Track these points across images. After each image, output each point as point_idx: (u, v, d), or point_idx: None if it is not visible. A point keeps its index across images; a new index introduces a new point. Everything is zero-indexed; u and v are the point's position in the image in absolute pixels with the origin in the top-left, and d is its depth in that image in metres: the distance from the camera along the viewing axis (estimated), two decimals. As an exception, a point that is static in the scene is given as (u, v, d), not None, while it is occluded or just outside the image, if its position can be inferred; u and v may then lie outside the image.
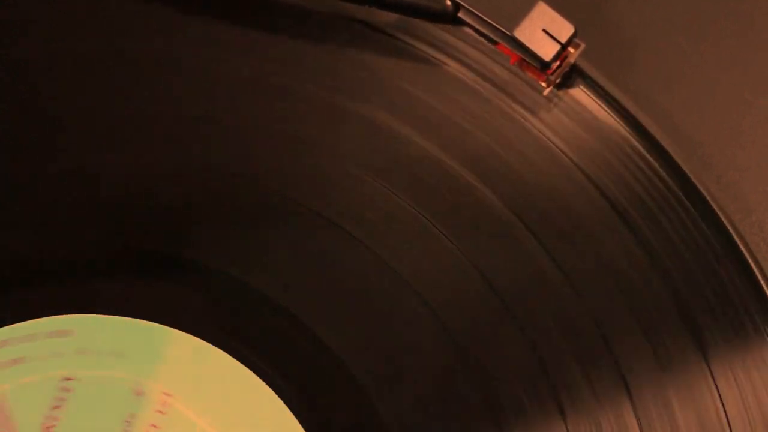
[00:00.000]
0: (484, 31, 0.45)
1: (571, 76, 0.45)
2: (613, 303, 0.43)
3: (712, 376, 0.42)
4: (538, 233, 0.44)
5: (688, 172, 0.45)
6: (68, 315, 0.42)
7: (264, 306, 0.43)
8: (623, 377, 0.42)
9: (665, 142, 0.45)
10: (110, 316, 0.42)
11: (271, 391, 0.42)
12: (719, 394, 0.42)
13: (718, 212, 0.44)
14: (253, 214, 0.44)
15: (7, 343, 0.42)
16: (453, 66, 0.46)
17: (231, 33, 0.46)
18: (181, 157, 0.44)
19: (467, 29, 0.45)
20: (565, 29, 0.44)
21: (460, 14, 0.45)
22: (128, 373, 0.42)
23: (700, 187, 0.45)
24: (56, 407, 0.41)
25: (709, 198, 0.44)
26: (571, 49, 0.45)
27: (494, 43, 0.45)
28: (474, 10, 0.44)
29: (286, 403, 0.42)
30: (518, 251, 0.44)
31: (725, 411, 0.42)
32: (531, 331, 0.43)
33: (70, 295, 0.42)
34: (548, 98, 0.45)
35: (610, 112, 0.45)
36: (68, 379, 0.41)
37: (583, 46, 0.45)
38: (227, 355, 0.42)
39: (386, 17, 0.46)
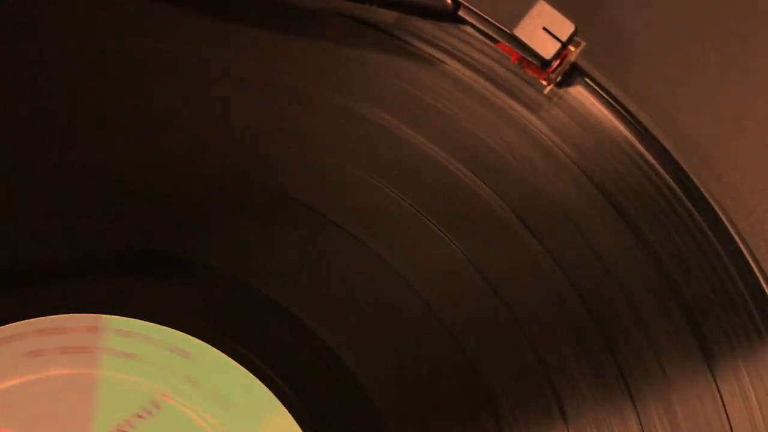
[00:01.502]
0: (485, 29, 0.45)
1: (571, 74, 0.45)
2: (613, 303, 0.43)
3: (713, 376, 0.42)
4: (538, 232, 0.44)
5: (688, 171, 0.45)
6: (192, 336, 0.42)
7: (264, 306, 0.43)
8: (623, 378, 0.42)
9: (665, 142, 0.45)
10: (231, 360, 0.42)
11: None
12: (719, 394, 0.42)
13: (718, 212, 0.44)
14: (253, 213, 0.44)
15: (131, 335, 0.42)
16: (453, 65, 0.46)
17: (231, 32, 0.46)
18: (182, 156, 0.44)
19: (467, 27, 0.45)
20: (565, 27, 0.44)
21: (461, 12, 0.45)
22: (220, 425, 0.41)
23: (700, 187, 0.45)
24: (139, 416, 0.41)
25: (709, 198, 0.44)
26: (571, 48, 0.45)
27: (494, 41, 0.45)
28: (474, 9, 0.45)
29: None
30: (518, 250, 0.44)
31: (725, 410, 0.42)
32: (531, 331, 0.43)
33: (63, 294, 0.42)
34: (548, 97, 0.45)
35: (610, 111, 0.45)
36: (164, 397, 0.41)
37: (583, 44, 0.45)
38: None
39: (386, 16, 0.46)
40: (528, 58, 0.45)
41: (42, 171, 0.43)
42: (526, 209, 0.44)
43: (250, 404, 0.41)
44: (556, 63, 0.45)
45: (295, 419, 0.41)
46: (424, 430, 0.42)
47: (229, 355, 0.42)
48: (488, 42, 0.45)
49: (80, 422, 0.41)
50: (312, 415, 0.41)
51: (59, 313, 0.42)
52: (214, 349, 0.42)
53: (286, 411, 0.41)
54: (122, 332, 0.42)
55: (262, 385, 0.42)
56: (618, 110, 0.45)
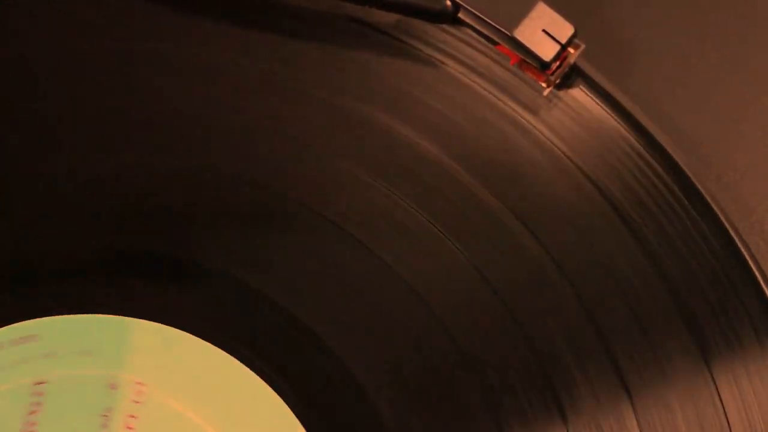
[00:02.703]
0: (484, 31, 0.45)
1: (570, 76, 0.45)
2: (613, 303, 0.43)
3: (712, 376, 0.42)
4: (538, 233, 0.44)
5: (688, 172, 0.45)
6: (30, 320, 0.42)
7: (264, 306, 0.43)
8: (623, 378, 0.42)
9: (665, 142, 0.45)
10: (72, 316, 0.42)
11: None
12: (719, 394, 0.42)
13: (718, 212, 0.44)
14: (253, 214, 0.44)
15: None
16: (453, 66, 0.46)
17: (231, 33, 0.46)
18: (181, 157, 0.44)
19: (467, 29, 0.45)
20: (565, 29, 0.44)
21: (460, 14, 0.45)
22: (98, 369, 0.42)
23: (700, 187, 0.45)
24: (32, 412, 0.41)
25: (709, 198, 0.44)
26: (570, 50, 0.45)
27: (494, 43, 0.45)
28: (474, 11, 0.44)
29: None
30: (518, 251, 0.44)
31: (724, 410, 0.42)
32: (531, 331, 0.43)
33: (68, 297, 0.42)
34: (548, 98, 0.45)
35: (609, 113, 0.45)
36: (40, 383, 0.41)
37: (583, 46, 0.45)
38: (201, 340, 0.42)
39: (386, 17, 0.46)
40: (528, 60, 0.45)
41: (42, 171, 0.44)
42: (526, 210, 0.44)
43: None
44: (555, 65, 0.45)
45: (297, 419, 0.42)
46: (423, 430, 0.42)
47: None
48: (488, 44, 0.45)
49: None
50: (312, 414, 0.42)
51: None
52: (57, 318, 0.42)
53: (287, 409, 0.42)
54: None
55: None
56: (618, 112, 0.45)
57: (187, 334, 0.42)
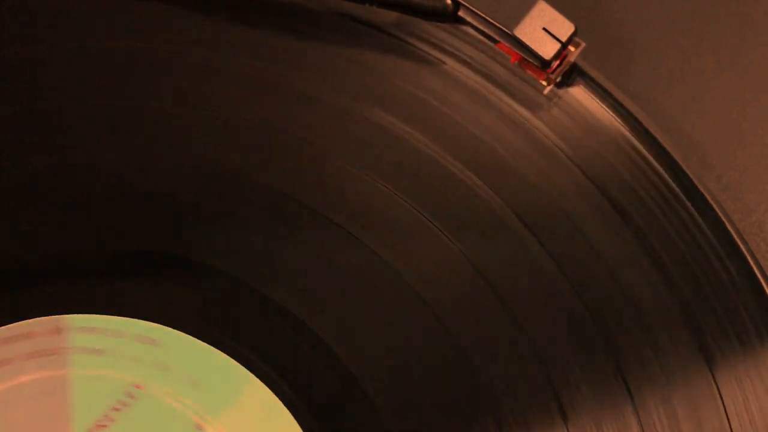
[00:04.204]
0: (485, 29, 0.45)
1: (571, 74, 0.46)
2: (612, 303, 0.43)
3: (713, 376, 0.42)
4: (538, 232, 0.44)
5: (688, 172, 0.45)
6: (157, 324, 0.42)
7: (264, 306, 0.43)
8: (623, 378, 0.42)
9: (665, 142, 0.45)
10: (199, 341, 0.42)
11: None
12: (720, 394, 0.42)
13: (718, 212, 0.44)
14: (253, 213, 0.44)
15: (95, 331, 0.42)
16: (453, 65, 0.46)
17: (230, 33, 0.46)
18: (181, 156, 0.44)
19: (467, 28, 0.45)
20: (565, 28, 0.44)
21: (461, 13, 0.45)
22: (195, 404, 0.41)
23: (700, 187, 0.45)
24: (116, 409, 0.41)
25: (709, 198, 0.44)
26: (571, 48, 0.45)
27: (494, 41, 0.45)
28: (474, 9, 0.44)
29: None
30: (518, 251, 0.44)
31: (725, 410, 0.42)
32: (531, 331, 0.43)
33: (64, 294, 0.42)
34: (548, 97, 0.45)
35: (610, 112, 0.45)
36: (138, 387, 0.41)
37: (583, 44, 0.45)
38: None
39: (386, 16, 0.46)
40: (528, 59, 0.45)
41: (41, 171, 0.43)
42: (526, 209, 0.44)
43: (225, 383, 0.42)
44: (555, 63, 0.45)
45: (296, 418, 0.42)
46: (423, 430, 0.42)
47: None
48: (488, 42, 0.45)
49: (60, 424, 0.41)
50: (311, 414, 0.42)
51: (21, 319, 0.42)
52: (181, 334, 0.42)
53: (286, 410, 0.42)
54: (87, 329, 0.42)
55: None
56: (618, 110, 0.45)
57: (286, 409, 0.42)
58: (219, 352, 0.42)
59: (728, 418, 0.42)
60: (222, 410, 0.41)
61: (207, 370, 0.42)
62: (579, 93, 0.46)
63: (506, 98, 0.45)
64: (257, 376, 0.42)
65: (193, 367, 0.42)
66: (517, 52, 0.45)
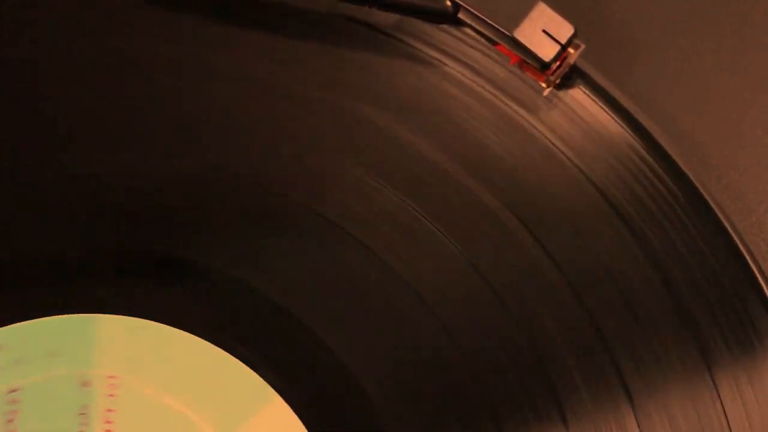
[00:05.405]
0: (484, 31, 0.45)
1: (570, 76, 0.45)
2: (612, 304, 0.43)
3: (712, 378, 0.42)
4: (538, 234, 0.44)
5: (688, 172, 0.45)
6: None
7: (264, 306, 0.43)
8: (623, 380, 0.42)
9: (665, 142, 0.45)
10: (34, 321, 0.42)
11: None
12: (719, 396, 0.42)
13: (718, 212, 0.44)
14: (253, 214, 0.44)
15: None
16: (453, 66, 0.46)
17: (231, 34, 0.46)
18: (181, 157, 0.44)
19: (467, 30, 0.45)
20: (564, 30, 0.44)
21: (460, 15, 0.45)
22: (69, 369, 0.42)
23: (700, 187, 0.45)
24: (10, 421, 0.41)
25: (709, 198, 0.44)
26: (570, 50, 0.45)
27: (494, 43, 0.45)
28: (474, 11, 0.44)
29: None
30: (518, 252, 0.44)
31: (725, 413, 0.42)
32: (531, 332, 0.43)
33: (68, 297, 0.42)
34: (548, 99, 0.45)
35: (609, 113, 0.45)
36: (13, 390, 0.41)
37: (583, 46, 0.45)
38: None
39: (386, 17, 0.46)
40: (528, 61, 0.45)
41: (42, 172, 0.44)
42: (526, 211, 0.44)
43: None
44: (555, 65, 0.45)
45: (299, 419, 0.42)
46: (423, 430, 0.42)
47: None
48: (488, 44, 0.45)
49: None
50: (311, 414, 0.42)
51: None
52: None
53: (288, 409, 0.42)
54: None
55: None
56: (618, 112, 0.45)
57: (153, 323, 0.42)
58: (58, 317, 0.42)
59: (728, 420, 0.42)
60: (91, 354, 0.42)
61: (56, 336, 0.42)
62: (578, 94, 0.45)
63: (506, 100, 0.45)
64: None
65: (47, 343, 0.42)
66: (517, 53, 0.45)
